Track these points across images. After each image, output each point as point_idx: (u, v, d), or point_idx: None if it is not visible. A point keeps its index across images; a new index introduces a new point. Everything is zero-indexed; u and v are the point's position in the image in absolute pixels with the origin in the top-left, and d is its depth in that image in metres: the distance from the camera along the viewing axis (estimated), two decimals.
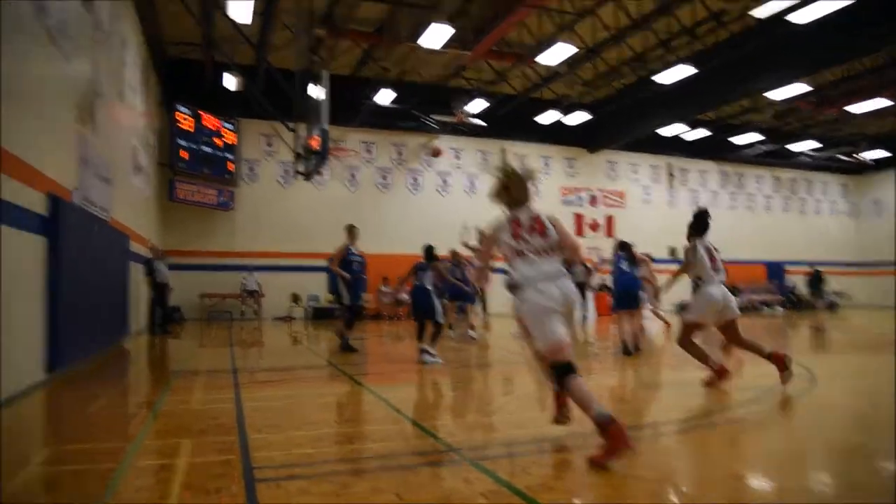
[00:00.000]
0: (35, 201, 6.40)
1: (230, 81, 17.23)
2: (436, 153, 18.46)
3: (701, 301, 6.27)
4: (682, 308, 9.44)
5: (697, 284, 6.36)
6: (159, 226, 17.67)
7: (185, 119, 17.91)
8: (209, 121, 18.63)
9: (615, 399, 6.10)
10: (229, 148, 19.26)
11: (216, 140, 18.86)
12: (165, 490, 3.25)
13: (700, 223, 6.53)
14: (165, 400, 5.94)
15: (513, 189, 4.18)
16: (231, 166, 19.28)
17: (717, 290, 6.21)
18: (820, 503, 3.13)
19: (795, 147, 26.06)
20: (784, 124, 24.86)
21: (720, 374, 6.21)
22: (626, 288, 9.43)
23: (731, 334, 6.35)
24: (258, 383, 7.21)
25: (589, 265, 12.44)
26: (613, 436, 3.48)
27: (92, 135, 9.05)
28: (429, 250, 9.38)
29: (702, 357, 6.37)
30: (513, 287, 4.02)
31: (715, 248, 6.42)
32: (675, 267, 7.08)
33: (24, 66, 6.09)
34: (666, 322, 13.33)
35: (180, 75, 18.67)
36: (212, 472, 3.54)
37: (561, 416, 4.31)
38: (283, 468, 3.67)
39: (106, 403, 5.75)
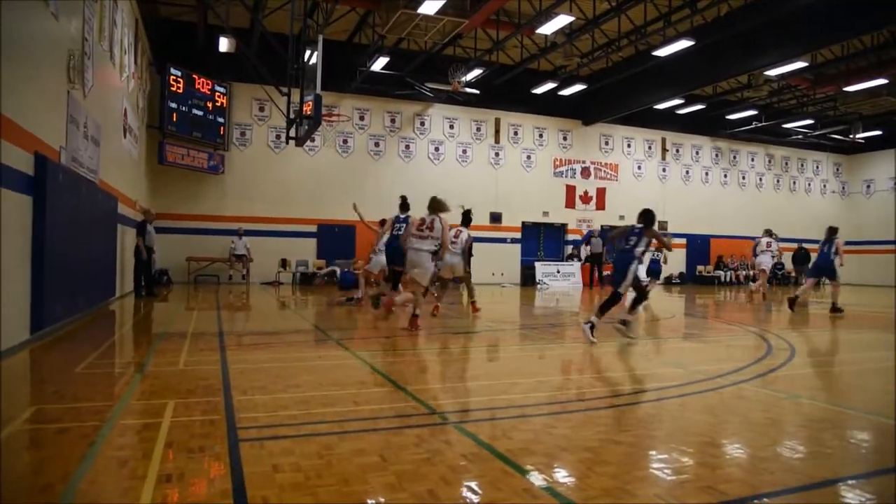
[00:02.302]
0: (21, 160, 6.32)
1: (223, 44, 16.97)
2: None
3: (444, 264, 9.77)
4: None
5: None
6: (148, 188, 17.54)
7: (176, 81, 17.65)
8: (201, 83, 18.38)
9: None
10: (220, 111, 19.04)
11: (208, 103, 18.63)
12: (148, 448, 3.28)
13: (466, 218, 10.80)
14: (152, 361, 5.96)
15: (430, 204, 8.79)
16: (222, 130, 19.09)
17: (454, 258, 10.23)
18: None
19: (790, 125, 26.04)
20: (779, 101, 24.78)
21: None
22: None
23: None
24: (245, 346, 7.24)
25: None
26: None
27: (81, 95, 8.92)
28: (649, 214, 8.07)
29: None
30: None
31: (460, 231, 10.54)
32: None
33: (11, 23, 5.97)
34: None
35: (172, 36, 18.38)
36: (196, 432, 3.57)
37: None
38: (268, 428, 3.71)
39: (92, 364, 5.75)
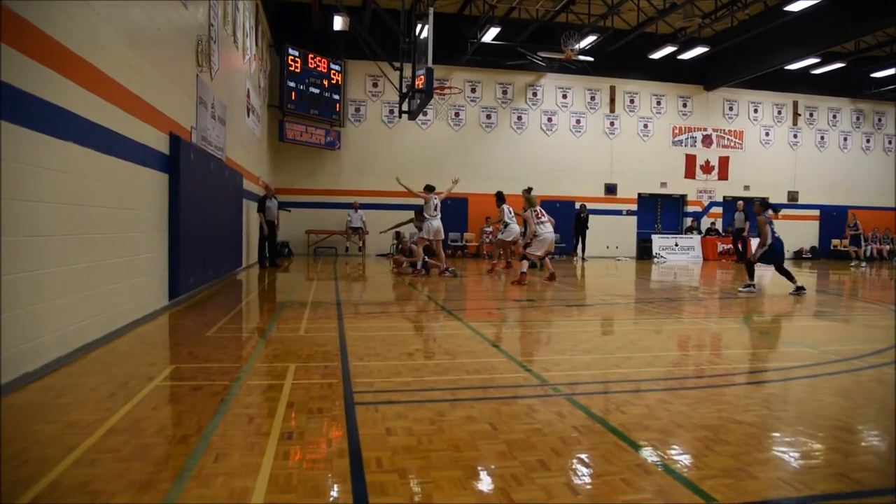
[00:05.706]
0: (158, 140, 6.82)
1: (337, 22, 17.41)
2: None
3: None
4: None
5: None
6: (270, 165, 18.44)
7: (294, 61, 18.35)
8: (317, 62, 19.01)
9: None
10: (336, 89, 19.62)
11: (324, 81, 19.25)
12: (272, 407, 3.48)
13: (531, 199, 11.54)
14: (275, 327, 6.31)
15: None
16: (338, 107, 19.69)
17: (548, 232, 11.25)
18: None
19: None
20: None
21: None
22: None
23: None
24: (361, 315, 7.49)
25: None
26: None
27: (209, 77, 9.46)
28: None
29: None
30: None
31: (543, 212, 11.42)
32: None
33: (147, 12, 6.40)
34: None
35: (289, 18, 19.10)
36: (315, 394, 3.75)
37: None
38: (382, 393, 3.82)
39: (221, 328, 6.16)
